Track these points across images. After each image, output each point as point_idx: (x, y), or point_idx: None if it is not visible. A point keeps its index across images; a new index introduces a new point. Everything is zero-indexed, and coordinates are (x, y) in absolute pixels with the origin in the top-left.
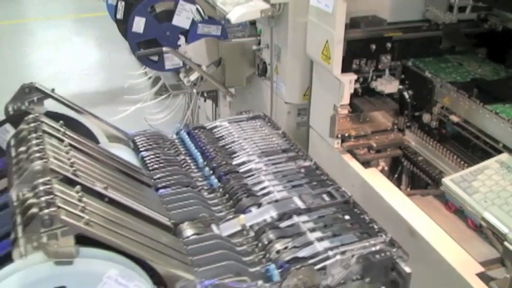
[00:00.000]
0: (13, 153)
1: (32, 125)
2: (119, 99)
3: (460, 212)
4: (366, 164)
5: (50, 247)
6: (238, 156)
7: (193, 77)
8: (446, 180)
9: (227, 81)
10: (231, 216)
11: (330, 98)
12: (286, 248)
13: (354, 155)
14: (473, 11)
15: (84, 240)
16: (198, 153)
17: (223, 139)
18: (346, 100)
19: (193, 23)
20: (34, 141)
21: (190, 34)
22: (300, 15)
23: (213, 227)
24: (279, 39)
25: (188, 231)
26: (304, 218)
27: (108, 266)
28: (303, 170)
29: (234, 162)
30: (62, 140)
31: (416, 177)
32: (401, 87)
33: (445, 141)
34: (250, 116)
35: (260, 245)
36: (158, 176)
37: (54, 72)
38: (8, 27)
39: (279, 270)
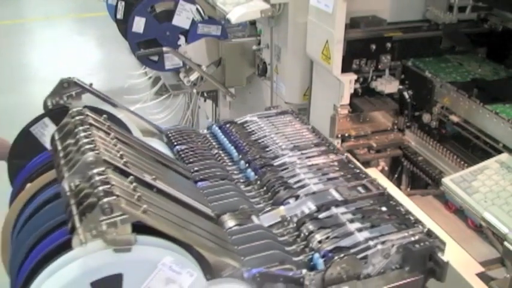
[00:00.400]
0: (59, 146)
1: (78, 118)
2: (119, 99)
3: (460, 212)
4: (366, 164)
5: (108, 235)
6: (271, 150)
7: (193, 77)
8: (446, 180)
9: (227, 81)
10: (269, 208)
11: (330, 98)
12: (327, 238)
13: (354, 155)
14: (473, 11)
15: (134, 228)
16: (232, 147)
17: (254, 134)
18: (346, 100)
19: (193, 23)
20: (82, 134)
21: (190, 34)
22: (300, 15)
23: (254, 218)
24: (279, 39)
25: (229, 222)
26: (342, 209)
27: (163, 253)
28: (336, 164)
29: (267, 156)
30: (108, 133)
31: (416, 177)
32: (401, 87)
33: (445, 141)
34: (278, 112)
35: (302, 235)
36: (195, 169)
37: (54, 72)
38: (8, 27)
39: (323, 259)
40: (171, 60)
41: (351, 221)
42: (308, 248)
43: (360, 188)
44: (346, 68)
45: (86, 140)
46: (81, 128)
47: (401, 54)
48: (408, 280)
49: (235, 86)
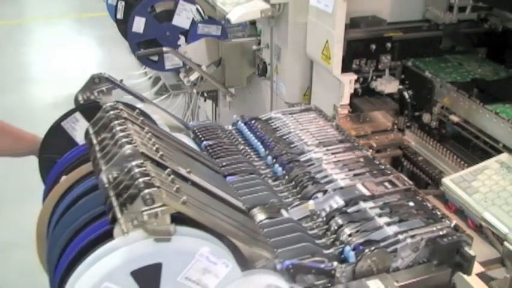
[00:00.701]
0: (94, 140)
1: (112, 112)
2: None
3: (460, 212)
4: None
5: (149, 225)
6: (296, 146)
7: (193, 77)
8: (446, 180)
9: (227, 81)
10: (297, 203)
11: (330, 98)
12: (357, 231)
13: None
14: (473, 11)
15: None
16: (259, 143)
17: (279, 130)
18: (346, 100)
19: (193, 23)
20: (118, 128)
21: (190, 34)
22: (300, 15)
23: (283, 212)
24: (279, 39)
25: (260, 215)
26: (370, 204)
27: (200, 243)
28: (361, 160)
29: (293, 152)
30: (142, 127)
31: (416, 177)
32: (401, 87)
33: (445, 141)
34: (302, 109)
35: (332, 229)
36: (224, 164)
37: (54, 72)
38: (8, 27)
39: (354, 252)
40: (171, 60)
41: (379, 215)
42: (338, 242)
43: (386, 184)
44: (346, 68)
45: (122, 134)
46: (116, 122)
47: (401, 54)
48: (436, 273)
49: (235, 86)
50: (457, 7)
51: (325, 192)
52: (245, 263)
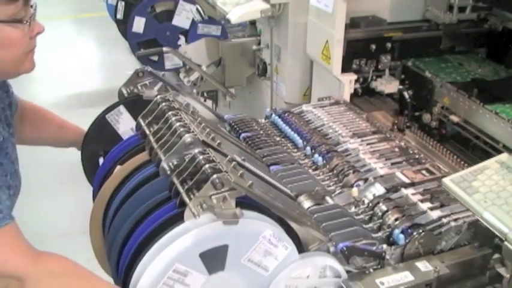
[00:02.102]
0: (147, 131)
1: (164, 104)
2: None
3: None
4: None
5: (217, 209)
6: (331, 137)
7: (193, 77)
8: (446, 180)
9: (227, 81)
10: (339, 190)
11: (330, 98)
12: (403, 216)
13: None
14: (473, 11)
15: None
16: (295, 135)
17: (313, 122)
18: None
19: (193, 23)
20: (173, 118)
21: (190, 34)
22: (300, 15)
23: (328, 199)
24: (279, 39)
25: (306, 202)
26: (411, 190)
27: (264, 226)
28: (396, 149)
29: (330, 143)
30: (194, 118)
31: None
32: (401, 87)
33: (445, 141)
34: (332, 102)
35: (378, 214)
36: (265, 154)
37: (54, 72)
38: None
39: (403, 235)
40: (171, 60)
41: (421, 201)
42: (385, 226)
43: (424, 172)
44: (346, 68)
45: (179, 124)
46: (170, 112)
47: (401, 54)
48: (478, 254)
49: (235, 86)
50: (457, 7)
51: (365, 180)
52: (301, 246)
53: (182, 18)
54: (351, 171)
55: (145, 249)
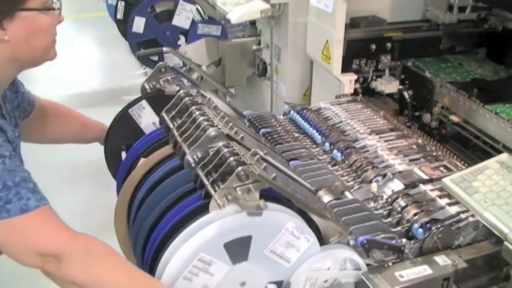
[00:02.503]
0: (171, 125)
1: (187, 99)
2: (119, 99)
3: None
4: None
5: (241, 200)
6: (349, 134)
7: (193, 77)
8: (446, 180)
9: (227, 81)
10: (357, 186)
11: (330, 98)
12: (422, 211)
13: None
14: (473, 11)
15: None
16: (314, 131)
17: (331, 119)
18: None
19: (193, 23)
20: (197, 112)
21: (190, 34)
22: (300, 15)
23: (347, 193)
24: (279, 39)
25: (326, 197)
26: (429, 186)
27: (287, 219)
28: (414, 146)
29: (348, 139)
30: (217, 112)
31: None
32: (401, 87)
33: (445, 141)
34: (349, 99)
35: (397, 209)
36: (284, 149)
37: (54, 72)
38: None
39: (422, 230)
40: (171, 60)
41: (439, 197)
42: (404, 221)
43: (441, 168)
44: (346, 68)
45: (203, 118)
46: (194, 107)
47: (401, 54)
48: (494, 250)
49: (235, 86)
50: (457, 7)
51: (384, 176)
52: (321, 239)
53: (182, 18)
54: (370, 167)
55: (170, 239)
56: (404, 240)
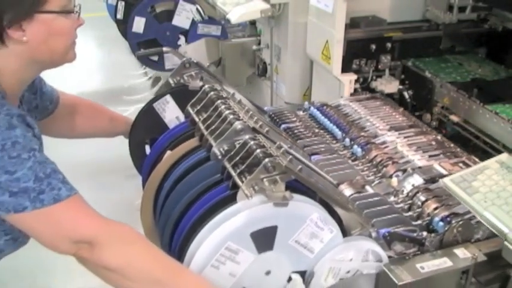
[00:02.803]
0: (196, 118)
1: (213, 93)
2: (119, 99)
3: None
4: None
5: (267, 191)
6: (369, 130)
7: None
8: (446, 180)
9: (227, 81)
10: (377, 180)
11: (330, 98)
12: (442, 205)
13: None
14: (473, 11)
15: None
16: (334, 127)
17: (350, 115)
18: None
19: (193, 23)
20: (223, 106)
21: (190, 34)
22: (300, 15)
23: (367, 188)
24: (279, 39)
25: (347, 190)
26: None
27: (311, 210)
28: (433, 143)
29: (367, 135)
30: (242, 106)
31: None
32: (401, 87)
33: None
34: (368, 97)
35: (418, 203)
36: (305, 144)
37: (54, 72)
38: None
39: (442, 223)
40: (171, 60)
41: None
42: (425, 214)
43: (460, 164)
44: (346, 68)
45: (228, 111)
46: (219, 101)
47: (401, 54)
48: None
49: (235, 86)
50: (457, 7)
51: (404, 171)
52: (344, 230)
53: (182, 18)
54: (390, 162)
55: (198, 228)
56: (425, 233)
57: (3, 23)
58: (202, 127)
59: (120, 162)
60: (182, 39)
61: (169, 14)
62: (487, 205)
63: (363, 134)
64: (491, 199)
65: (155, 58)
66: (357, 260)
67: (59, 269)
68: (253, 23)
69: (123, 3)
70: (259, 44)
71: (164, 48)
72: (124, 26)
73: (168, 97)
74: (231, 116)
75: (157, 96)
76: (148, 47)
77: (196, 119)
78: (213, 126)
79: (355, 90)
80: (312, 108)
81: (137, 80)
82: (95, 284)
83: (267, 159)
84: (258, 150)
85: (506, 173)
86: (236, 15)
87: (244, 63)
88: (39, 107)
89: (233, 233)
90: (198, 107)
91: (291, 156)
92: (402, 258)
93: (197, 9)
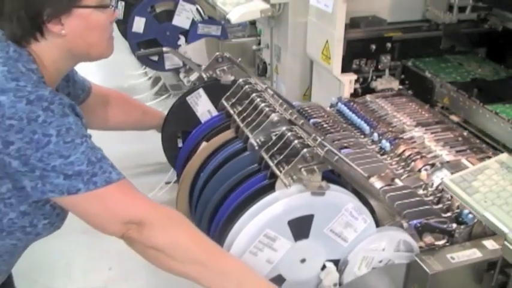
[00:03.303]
0: (231, 111)
1: (247, 86)
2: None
3: None
4: None
5: (305, 181)
6: (396, 126)
7: (193, 77)
8: (446, 180)
9: None
10: (406, 175)
11: (330, 98)
12: None
13: None
14: (473, 11)
15: None
16: (362, 122)
17: (377, 111)
18: None
19: (193, 23)
20: (258, 99)
21: (190, 34)
22: (300, 15)
23: (397, 181)
24: (279, 39)
25: (378, 183)
26: None
27: (347, 199)
28: (460, 139)
29: (395, 130)
30: (276, 99)
31: None
32: (401, 87)
33: None
34: (393, 93)
35: (448, 196)
36: (335, 138)
37: None
38: None
39: (472, 215)
40: (171, 60)
41: None
42: (454, 207)
43: (486, 159)
44: (346, 68)
45: (264, 104)
46: (255, 94)
47: (401, 54)
48: None
49: None
50: (457, 7)
51: (432, 165)
52: (376, 221)
53: (182, 18)
54: (418, 156)
55: (238, 215)
56: (454, 225)
57: (43, 17)
58: (237, 119)
59: (126, 160)
60: (182, 39)
61: (169, 14)
62: (487, 205)
63: (390, 129)
64: (491, 199)
65: (155, 58)
66: (389, 250)
67: (59, 269)
68: (253, 23)
69: (123, 3)
70: (259, 44)
71: (164, 48)
72: (124, 26)
73: (201, 91)
74: (267, 109)
75: (190, 90)
76: (148, 47)
77: (231, 112)
78: (249, 119)
79: (355, 90)
80: (339, 104)
81: (137, 80)
82: (95, 284)
83: (305, 150)
84: (296, 141)
85: (506, 173)
86: (236, 15)
87: (244, 63)
88: (71, 94)
89: (272, 220)
90: (233, 100)
91: (327, 148)
92: (432, 249)
93: (197, 9)
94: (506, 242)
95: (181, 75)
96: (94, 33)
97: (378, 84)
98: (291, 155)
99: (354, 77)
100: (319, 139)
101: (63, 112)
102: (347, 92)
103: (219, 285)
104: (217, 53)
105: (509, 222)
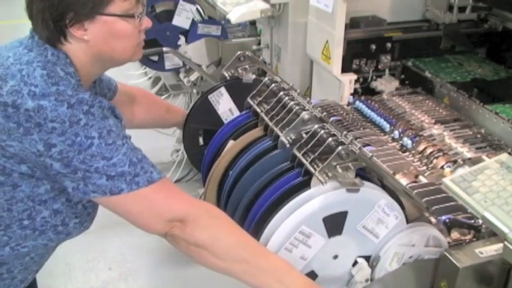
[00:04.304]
0: (258, 110)
1: (274, 85)
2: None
3: None
4: None
5: (340, 178)
6: (414, 123)
7: (193, 77)
8: (446, 180)
9: None
10: (429, 172)
11: (330, 98)
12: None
13: None
14: (473, 11)
15: None
16: (382, 119)
17: (394, 109)
18: (346, 100)
19: (193, 23)
20: (286, 98)
21: (190, 34)
22: (300, 15)
23: (421, 178)
24: (279, 39)
25: (403, 180)
26: None
27: (380, 196)
28: (478, 136)
29: (414, 128)
30: (303, 97)
31: None
32: (401, 87)
33: None
34: (409, 91)
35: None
36: (356, 136)
37: None
38: (7, 28)
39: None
40: (171, 60)
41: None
42: None
43: None
44: (346, 68)
45: (293, 102)
46: (282, 93)
47: (401, 54)
48: None
49: None
50: (457, 7)
51: (454, 162)
52: (406, 217)
53: (182, 18)
54: (440, 153)
55: (273, 212)
56: (480, 221)
57: (66, 21)
58: (266, 118)
59: None
60: (182, 39)
61: (169, 14)
62: (487, 205)
63: (409, 126)
64: (491, 199)
65: (155, 58)
66: (419, 246)
67: (59, 269)
68: (253, 23)
69: None
70: (259, 44)
71: (164, 48)
72: None
73: (223, 89)
74: (297, 107)
75: (212, 88)
76: (148, 47)
77: (258, 110)
78: (278, 117)
79: (355, 90)
80: (357, 102)
81: (137, 80)
82: (95, 284)
83: (340, 147)
84: (330, 139)
85: (506, 173)
86: (236, 15)
87: None
88: (98, 93)
89: (307, 217)
90: (259, 99)
91: (360, 145)
92: (460, 244)
93: (197, 9)
94: (506, 242)
95: (181, 75)
96: (118, 41)
97: (378, 84)
98: (325, 152)
99: (354, 77)
100: (351, 137)
101: (104, 115)
102: (347, 92)
103: (262, 282)
104: (239, 52)
105: (509, 222)
